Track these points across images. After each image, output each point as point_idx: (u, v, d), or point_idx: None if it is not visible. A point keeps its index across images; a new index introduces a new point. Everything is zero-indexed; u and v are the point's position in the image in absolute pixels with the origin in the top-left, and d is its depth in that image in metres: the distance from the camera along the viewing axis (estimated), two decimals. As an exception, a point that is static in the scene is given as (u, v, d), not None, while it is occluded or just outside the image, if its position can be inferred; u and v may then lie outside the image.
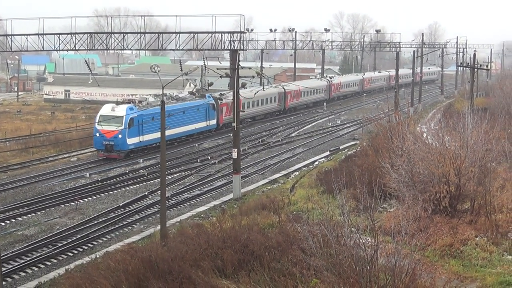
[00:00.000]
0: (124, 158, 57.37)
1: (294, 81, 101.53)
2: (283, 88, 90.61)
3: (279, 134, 74.80)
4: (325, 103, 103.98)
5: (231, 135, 52.39)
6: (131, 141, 57.54)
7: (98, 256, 30.75)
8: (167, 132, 59.78)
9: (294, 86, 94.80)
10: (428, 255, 27.85)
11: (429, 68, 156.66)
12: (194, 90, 70.14)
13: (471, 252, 28.47)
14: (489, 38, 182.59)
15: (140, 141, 58.56)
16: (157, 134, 56.10)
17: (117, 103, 61.23)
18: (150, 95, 66.28)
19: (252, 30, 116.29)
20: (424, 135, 39.50)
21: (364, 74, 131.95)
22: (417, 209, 28.40)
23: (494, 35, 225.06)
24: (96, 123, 57.59)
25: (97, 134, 57.12)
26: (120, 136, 56.34)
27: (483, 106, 66.39)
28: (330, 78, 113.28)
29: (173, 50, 49.06)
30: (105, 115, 57.35)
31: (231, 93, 71.37)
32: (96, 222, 38.63)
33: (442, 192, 32.22)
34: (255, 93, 77.19)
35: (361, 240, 21.77)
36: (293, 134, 75.33)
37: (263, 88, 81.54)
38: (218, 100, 71.56)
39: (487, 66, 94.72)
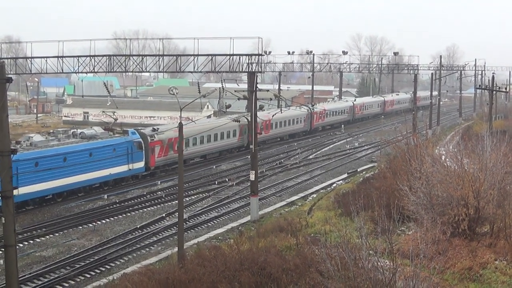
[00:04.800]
0: None
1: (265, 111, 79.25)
2: (246, 118, 71.15)
3: (297, 156, 74.69)
4: (339, 131, 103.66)
5: (249, 157, 52.34)
6: None
7: (115, 278, 30.74)
8: (61, 182, 48.30)
9: (262, 117, 76.10)
10: (447, 279, 27.61)
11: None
12: (111, 125, 57.28)
13: (490, 275, 28.20)
14: (508, 61, 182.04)
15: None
16: (46, 185, 47.09)
17: None
18: (35, 134, 53.92)
19: (270, 52, 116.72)
20: (443, 157, 39.30)
21: (355, 100, 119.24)
22: (436, 232, 28.26)
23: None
24: None
25: None
26: None
27: (502, 129, 66.00)
28: (312, 105, 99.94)
29: (191, 72, 49.23)
30: None
31: (169, 127, 62.84)
32: (113, 243, 38.66)
33: (461, 215, 32.00)
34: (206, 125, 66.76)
35: (379, 263, 21.65)
36: (310, 157, 75.20)
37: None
38: (149, 137, 58.44)
39: (505, 88, 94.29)
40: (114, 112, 57.49)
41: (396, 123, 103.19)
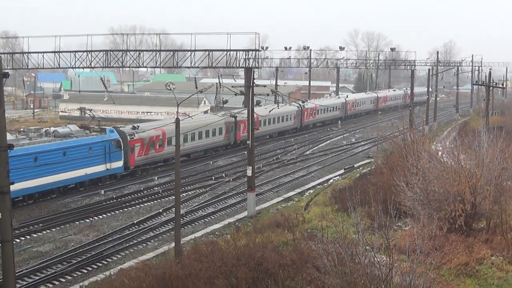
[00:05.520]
0: None
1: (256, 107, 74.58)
2: (233, 117, 73.60)
3: (294, 152, 74.69)
4: (336, 126, 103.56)
5: (246, 153, 52.36)
6: None
7: (112, 273, 30.75)
8: (32, 182, 45.49)
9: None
10: (444, 274, 27.66)
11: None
12: (88, 123, 55.06)
13: (487, 271, 28.27)
14: (504, 57, 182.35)
15: None
16: (15, 186, 39.54)
17: None
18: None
19: (267, 48, 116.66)
20: (439, 153, 39.36)
21: (347, 97, 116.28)
22: (432, 227, 28.29)
23: (510, 53, 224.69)
24: None
25: None
26: None
27: (498, 125, 66.07)
28: (303, 102, 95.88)
29: (188, 67, 49.17)
30: None
31: (150, 125, 61.63)
32: (110, 239, 38.67)
33: (457, 210, 32.07)
34: (196, 120, 63.45)
35: (376, 259, 21.68)
36: (307, 152, 75.21)
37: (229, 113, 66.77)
38: (128, 136, 56.19)
39: (502, 84, 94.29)
40: (91, 109, 56.47)
41: (393, 119, 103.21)
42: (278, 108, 79.86)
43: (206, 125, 66.72)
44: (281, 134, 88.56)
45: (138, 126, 59.22)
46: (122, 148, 54.92)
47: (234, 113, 73.88)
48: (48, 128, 52.21)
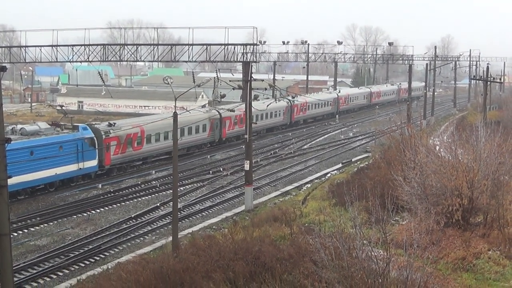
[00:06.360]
0: None
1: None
2: (218, 112, 71.33)
3: (291, 146, 74.70)
4: (334, 121, 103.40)
5: (243, 147, 52.36)
6: None
7: (109, 267, 30.78)
8: None
9: (238, 111, 69.37)
10: (441, 268, 27.70)
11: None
12: (60, 121, 53.09)
13: (483, 265, 28.31)
14: (502, 51, 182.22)
15: None
16: None
17: None
18: None
19: (264, 42, 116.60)
20: (437, 148, 39.36)
21: (339, 92, 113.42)
22: (430, 222, 28.31)
23: (507, 48, 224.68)
24: None
25: None
26: None
27: (496, 119, 66.20)
28: (293, 97, 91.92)
29: (186, 62, 49.23)
30: None
31: (127, 122, 59.21)
32: (108, 233, 38.70)
33: (454, 205, 32.09)
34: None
35: (373, 253, 21.70)
36: (305, 147, 75.23)
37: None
38: (103, 133, 53.82)
39: (500, 79, 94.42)
40: (62, 106, 55.52)
41: (390, 113, 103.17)
42: (276, 102, 79.94)
43: (189, 122, 63.99)
44: (269, 131, 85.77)
45: (115, 123, 57.00)
46: (97, 147, 52.53)
47: (219, 109, 71.93)
48: (15, 126, 50.05)
